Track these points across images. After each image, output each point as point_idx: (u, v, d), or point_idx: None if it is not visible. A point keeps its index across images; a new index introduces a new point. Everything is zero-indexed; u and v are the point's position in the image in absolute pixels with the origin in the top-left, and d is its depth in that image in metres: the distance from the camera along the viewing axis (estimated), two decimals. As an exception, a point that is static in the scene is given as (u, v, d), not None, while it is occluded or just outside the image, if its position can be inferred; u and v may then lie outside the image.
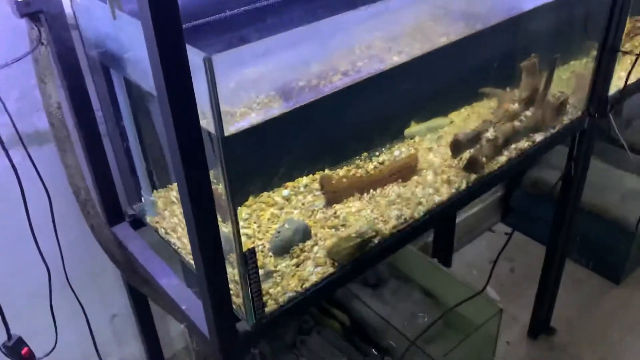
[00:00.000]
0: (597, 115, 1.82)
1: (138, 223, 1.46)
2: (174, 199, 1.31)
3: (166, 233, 1.35)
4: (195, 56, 0.82)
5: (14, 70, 1.22)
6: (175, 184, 1.32)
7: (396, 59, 1.21)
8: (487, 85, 1.56)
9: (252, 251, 1.04)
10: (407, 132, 1.47)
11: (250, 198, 1.29)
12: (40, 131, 1.35)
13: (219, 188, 0.96)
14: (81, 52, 1.24)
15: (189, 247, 1.27)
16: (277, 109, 1.00)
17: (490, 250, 2.92)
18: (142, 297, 1.58)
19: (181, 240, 1.29)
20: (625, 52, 1.84)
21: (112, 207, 1.42)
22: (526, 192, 2.83)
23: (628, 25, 1.79)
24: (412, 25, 1.23)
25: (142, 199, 1.40)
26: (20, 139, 1.24)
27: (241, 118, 0.95)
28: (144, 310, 1.64)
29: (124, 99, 1.23)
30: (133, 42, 1.05)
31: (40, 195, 1.30)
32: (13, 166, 1.21)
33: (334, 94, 1.10)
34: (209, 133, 0.91)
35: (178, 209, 1.30)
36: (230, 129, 0.92)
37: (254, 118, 0.97)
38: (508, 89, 1.59)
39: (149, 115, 1.29)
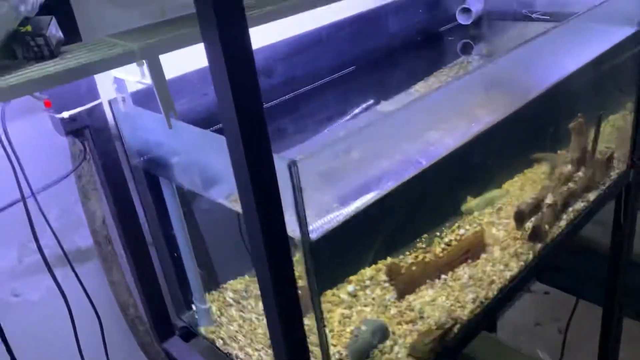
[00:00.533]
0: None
1: (189, 334, 1.35)
2: (231, 301, 1.22)
3: (225, 344, 1.24)
4: (279, 161, 0.76)
5: (54, 188, 1.16)
6: (230, 283, 1.24)
7: (452, 142, 1.16)
8: (537, 151, 1.51)
9: (341, 363, 0.95)
10: (464, 208, 1.40)
11: (314, 297, 1.20)
12: (82, 249, 1.27)
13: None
14: (124, 163, 1.18)
15: (254, 358, 1.17)
16: (353, 208, 0.93)
17: (532, 312, 2.79)
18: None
19: (244, 350, 1.18)
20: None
21: (162, 320, 1.31)
22: (568, 249, 2.73)
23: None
24: (463, 107, 1.20)
25: (193, 307, 1.30)
26: (67, 257, 1.16)
27: (322, 220, 0.88)
28: None
29: (176, 207, 1.16)
30: (190, 149, 0.99)
31: (86, 315, 1.21)
32: (59, 287, 1.12)
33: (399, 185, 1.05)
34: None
35: (236, 312, 1.21)
36: (315, 234, 0.84)
37: (334, 220, 0.90)
38: (559, 152, 1.54)
39: (200, 221, 1.22)
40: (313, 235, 0.84)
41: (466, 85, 1.21)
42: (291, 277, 0.81)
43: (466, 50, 1.77)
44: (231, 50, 0.67)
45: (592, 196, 1.59)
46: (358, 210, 0.93)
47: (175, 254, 1.24)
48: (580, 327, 2.34)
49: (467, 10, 1.80)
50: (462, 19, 1.83)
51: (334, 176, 0.91)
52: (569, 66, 1.39)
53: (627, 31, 1.59)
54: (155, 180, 1.17)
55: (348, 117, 1.48)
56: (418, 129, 1.12)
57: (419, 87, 1.58)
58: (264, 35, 1.37)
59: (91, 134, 1.08)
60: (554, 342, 2.61)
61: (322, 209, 0.88)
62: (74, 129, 1.05)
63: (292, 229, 0.82)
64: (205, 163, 0.98)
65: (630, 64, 1.65)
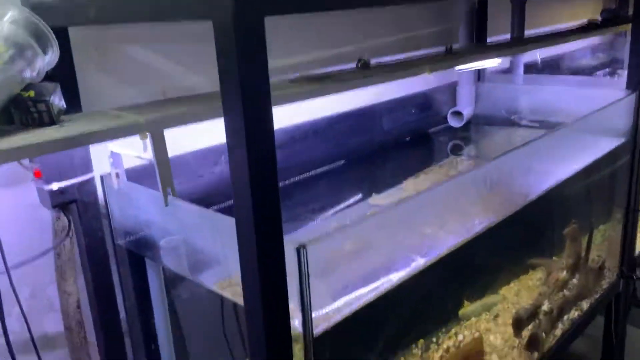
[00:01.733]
0: (629, 275, 1.75)
1: None
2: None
3: None
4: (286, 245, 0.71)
5: (28, 266, 1.07)
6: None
7: (451, 242, 1.14)
8: (532, 256, 1.49)
9: None
10: (461, 313, 1.35)
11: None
12: (49, 335, 1.15)
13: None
14: (109, 242, 1.10)
15: None
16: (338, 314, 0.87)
17: None
18: None
19: None
20: (648, 212, 1.84)
21: (129, 422, 1.18)
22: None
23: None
24: (462, 206, 1.19)
25: (167, 409, 1.17)
26: (34, 344, 1.05)
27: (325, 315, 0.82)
28: None
29: (160, 292, 1.08)
30: (187, 229, 0.94)
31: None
32: (21, 383, 1.00)
33: (392, 290, 1.00)
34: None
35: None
36: (317, 329, 0.77)
37: (337, 315, 0.83)
38: (554, 258, 1.52)
39: (186, 307, 1.13)
40: (316, 330, 0.77)
41: (465, 186, 1.20)
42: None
43: (455, 150, 1.80)
44: (253, 126, 0.64)
45: (585, 305, 1.55)
46: (360, 306, 0.87)
47: (153, 346, 1.13)
48: None
49: (458, 114, 1.85)
50: (453, 122, 1.87)
51: (332, 268, 0.85)
52: (562, 173, 1.40)
53: (615, 142, 1.64)
54: (140, 263, 1.10)
55: (339, 207, 1.45)
56: (416, 226, 1.09)
57: (409, 184, 1.57)
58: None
59: (78, 209, 1.02)
60: None
61: (323, 303, 0.82)
62: (61, 202, 0.99)
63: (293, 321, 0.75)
64: (200, 245, 0.92)
65: (619, 175, 1.69)
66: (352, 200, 1.49)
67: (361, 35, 1.60)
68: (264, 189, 0.66)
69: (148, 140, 0.88)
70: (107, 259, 1.08)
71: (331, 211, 1.43)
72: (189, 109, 0.93)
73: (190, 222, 0.92)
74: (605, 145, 1.62)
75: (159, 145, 0.88)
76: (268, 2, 0.62)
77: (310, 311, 0.74)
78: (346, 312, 0.84)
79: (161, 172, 0.89)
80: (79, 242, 1.06)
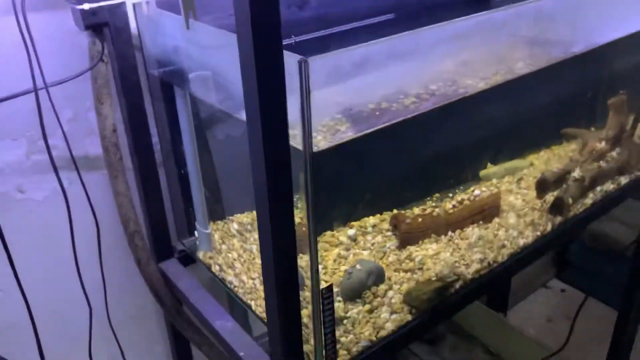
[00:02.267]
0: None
1: (187, 259, 1.34)
2: (235, 232, 1.19)
3: (221, 270, 1.22)
4: (288, 58, 0.72)
5: (68, 89, 1.14)
6: (236, 216, 1.21)
7: (474, 86, 1.10)
8: (568, 125, 1.43)
9: (330, 289, 0.91)
10: (482, 174, 1.34)
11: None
12: (90, 157, 1.26)
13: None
14: (141, 71, 1.16)
15: (247, 285, 1.14)
16: (347, 134, 0.89)
17: (546, 307, 2.71)
18: (185, 346, 1.44)
19: (239, 277, 1.16)
20: None
21: (162, 241, 1.30)
22: (587, 247, 2.64)
23: None
24: (493, 52, 1.14)
25: (196, 232, 1.28)
26: (74, 162, 1.15)
27: (327, 134, 0.84)
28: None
29: (187, 120, 1.14)
30: (208, 52, 0.96)
31: (87, 223, 1.20)
32: (63, 190, 1.11)
33: (406, 122, 0.99)
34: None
35: (238, 243, 1.18)
36: (318, 146, 0.80)
37: (339, 136, 0.86)
38: (592, 129, 1.46)
39: (214, 138, 1.19)
40: (316, 147, 0.80)
41: (501, 23, 1.13)
42: (289, 188, 0.77)
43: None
44: None
45: (624, 180, 1.51)
46: (369, 130, 0.89)
47: (182, 171, 1.22)
48: (595, 329, 2.26)
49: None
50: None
51: (346, 87, 0.86)
52: (618, 31, 1.30)
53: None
54: (172, 93, 1.15)
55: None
56: (442, 61, 1.06)
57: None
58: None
59: (111, 34, 1.06)
60: (564, 340, 2.53)
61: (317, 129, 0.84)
62: (93, 23, 1.03)
63: (296, 139, 0.78)
64: (222, 70, 0.95)
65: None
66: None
67: None
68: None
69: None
70: (139, 86, 1.14)
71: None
72: None
73: (210, 45, 0.94)
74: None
75: (180, -36, 0.89)
76: None
77: (310, 127, 0.76)
78: (352, 134, 0.87)
79: (182, -7, 0.91)
80: (112, 68, 1.11)
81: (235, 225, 1.20)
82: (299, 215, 0.85)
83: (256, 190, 0.77)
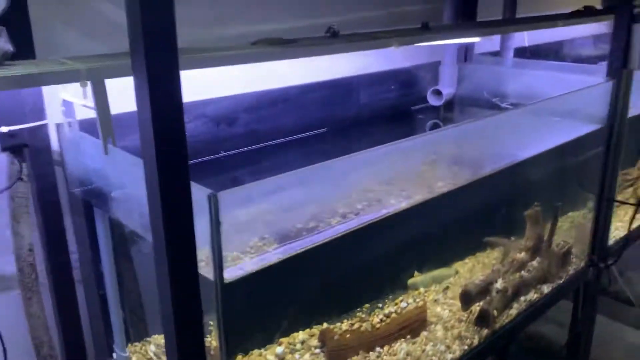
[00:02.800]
0: (600, 265, 1.75)
1: (105, 384, 1.26)
2: (152, 355, 1.14)
3: (138, 398, 1.15)
4: (198, 192, 0.73)
5: (-14, 208, 1.11)
6: (154, 337, 1.16)
7: (399, 204, 1.15)
8: (490, 234, 1.49)
9: None
10: (410, 282, 1.36)
11: (239, 358, 1.12)
12: (6, 276, 1.20)
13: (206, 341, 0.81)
14: (62, 190, 1.14)
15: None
16: (275, 254, 0.90)
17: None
18: None
19: (156, 406, 1.10)
20: (623, 202, 1.83)
21: (78, 364, 1.23)
22: (523, 347, 2.65)
23: (618, 179, 1.79)
24: (414, 172, 1.20)
25: (114, 355, 1.22)
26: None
27: (238, 263, 0.84)
28: None
29: (106, 241, 1.11)
30: (124, 177, 0.96)
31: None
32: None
33: (335, 240, 1.02)
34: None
35: (156, 369, 1.13)
36: (228, 276, 0.80)
37: (252, 264, 0.86)
38: (513, 239, 1.52)
39: (133, 259, 1.17)
40: (228, 276, 0.79)
41: (421, 147, 1.21)
42: (197, 317, 0.76)
43: (434, 129, 1.80)
44: (157, 78, 0.66)
45: (546, 289, 1.56)
46: (281, 259, 0.89)
47: (100, 292, 1.17)
48: None
49: (438, 92, 1.84)
50: (433, 101, 1.86)
51: (264, 217, 0.88)
52: (530, 152, 1.40)
53: (590, 127, 1.62)
54: (92, 212, 1.13)
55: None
56: (366, 182, 1.10)
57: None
58: (231, 86, 1.38)
59: (31, 154, 1.06)
60: None
61: (245, 251, 0.84)
62: (11, 144, 1.02)
63: (208, 269, 0.78)
64: (137, 195, 0.95)
65: (594, 162, 1.68)
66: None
67: (341, 7, 1.60)
68: (168, 140, 0.68)
69: (89, 89, 0.90)
70: (58, 205, 1.12)
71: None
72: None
73: (127, 170, 0.95)
74: (580, 130, 1.61)
75: (100, 94, 0.91)
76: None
77: (221, 258, 0.76)
78: (263, 263, 0.87)
79: (101, 121, 0.92)
80: (32, 186, 1.09)
81: (153, 347, 1.15)
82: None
83: (163, 318, 0.75)
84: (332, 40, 1.26)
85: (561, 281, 1.61)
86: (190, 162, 1.32)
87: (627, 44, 1.53)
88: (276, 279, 1.08)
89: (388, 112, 1.82)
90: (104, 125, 0.93)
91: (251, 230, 0.86)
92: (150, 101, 0.66)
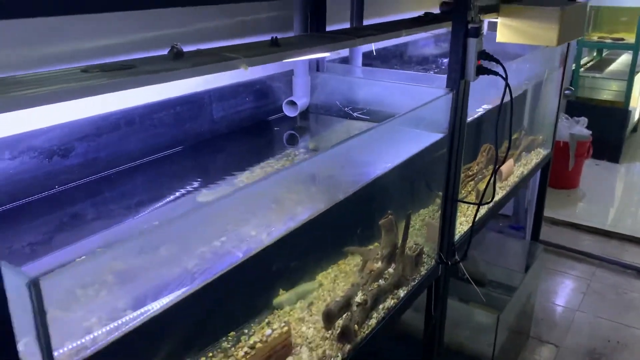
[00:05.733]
0: (448, 262, 1.87)
1: None
2: None
3: None
4: (15, 277, 0.63)
5: None
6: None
7: (261, 237, 1.13)
8: (351, 244, 1.53)
9: None
10: (276, 301, 1.35)
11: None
12: None
13: None
14: None
15: None
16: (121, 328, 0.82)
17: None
18: None
19: None
20: (465, 202, 1.97)
21: None
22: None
23: (461, 176, 1.93)
24: (278, 199, 1.18)
25: None
26: None
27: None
28: None
29: None
30: None
31: None
32: None
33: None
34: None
35: None
36: None
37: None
38: (371, 247, 1.57)
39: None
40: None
41: (281, 182, 1.19)
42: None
43: (291, 141, 1.79)
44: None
45: (402, 292, 1.63)
46: (140, 322, 0.82)
47: None
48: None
49: (293, 103, 1.84)
50: (288, 111, 1.85)
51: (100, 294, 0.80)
52: (384, 164, 1.45)
53: (436, 136, 1.72)
54: None
55: (161, 203, 1.37)
56: (224, 225, 1.06)
57: (244, 178, 1.53)
58: (62, 112, 1.25)
59: None
60: None
61: (82, 328, 0.76)
62: None
63: None
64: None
65: (437, 165, 1.78)
66: (173, 197, 1.41)
67: (185, 17, 1.51)
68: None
69: None
70: None
71: (150, 208, 1.35)
72: None
73: None
74: (426, 139, 1.69)
75: None
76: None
77: (50, 351, 0.67)
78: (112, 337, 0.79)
79: None
80: None
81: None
82: None
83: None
84: (177, 63, 1.18)
85: (415, 282, 1.69)
86: (21, 201, 1.19)
87: (463, 57, 1.63)
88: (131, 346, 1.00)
89: (244, 124, 1.78)
90: None
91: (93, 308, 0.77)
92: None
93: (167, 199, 1.37)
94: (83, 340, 0.75)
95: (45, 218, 1.20)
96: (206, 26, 1.59)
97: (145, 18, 1.39)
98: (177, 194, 1.40)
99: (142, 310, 0.89)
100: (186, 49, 1.21)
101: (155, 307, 0.89)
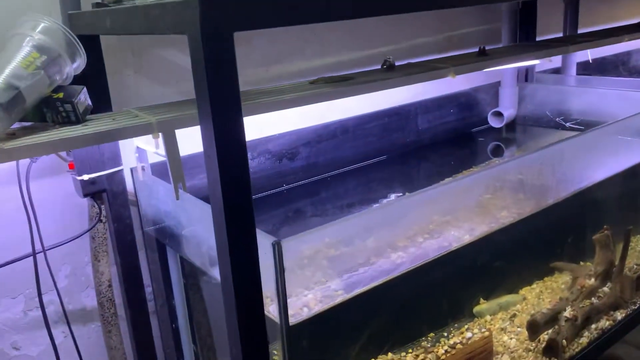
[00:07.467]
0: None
1: (180, 412, 1.32)
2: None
3: None
4: (264, 240, 0.77)
5: (69, 247, 1.20)
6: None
7: (463, 237, 1.16)
8: (558, 259, 1.46)
9: None
10: (476, 310, 1.35)
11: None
12: (87, 309, 1.29)
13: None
14: (137, 228, 1.22)
15: None
16: (339, 293, 0.92)
17: None
18: None
19: None
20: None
21: (154, 393, 1.29)
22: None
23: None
24: (480, 203, 1.20)
25: (187, 384, 1.28)
26: (66, 317, 1.18)
27: (303, 305, 0.87)
28: None
29: (178, 279, 1.18)
30: (193, 221, 1.02)
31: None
32: (54, 346, 1.13)
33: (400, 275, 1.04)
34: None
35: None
36: (294, 318, 0.83)
37: (317, 305, 0.89)
38: (581, 263, 1.48)
39: (204, 296, 1.22)
40: (293, 320, 0.82)
41: (483, 181, 1.21)
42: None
43: (497, 152, 1.78)
44: (222, 131, 0.70)
45: (619, 315, 1.50)
46: (347, 298, 0.92)
47: (173, 326, 1.24)
48: None
49: (499, 114, 1.82)
50: (494, 122, 1.84)
51: (330, 259, 0.91)
52: (599, 175, 1.37)
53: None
54: (163, 250, 1.20)
55: (369, 206, 1.48)
56: (427, 219, 1.12)
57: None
58: (291, 121, 1.43)
59: (108, 198, 1.13)
60: None
61: (308, 287, 0.87)
62: (92, 191, 1.10)
63: (274, 307, 0.81)
64: (207, 237, 1.00)
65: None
66: (383, 200, 1.50)
67: (397, 35, 1.62)
68: (235, 190, 0.72)
69: (161, 139, 0.97)
70: (134, 244, 1.19)
71: (361, 208, 1.46)
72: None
73: (196, 215, 1.00)
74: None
75: (171, 144, 0.97)
76: (236, 18, 0.68)
77: (285, 302, 0.79)
78: (329, 304, 0.89)
79: (172, 168, 0.98)
80: (109, 227, 1.17)
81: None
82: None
83: (232, 357, 0.79)
84: (389, 74, 1.28)
85: (636, 306, 1.54)
86: (256, 196, 1.38)
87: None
88: (340, 318, 1.11)
89: (448, 136, 1.82)
90: (175, 172, 0.98)
91: (314, 266, 0.89)
92: (217, 150, 0.70)
93: (375, 204, 1.48)
94: (310, 296, 0.87)
95: (274, 212, 1.38)
96: (415, 43, 1.68)
97: (362, 38, 1.53)
98: (384, 200, 1.49)
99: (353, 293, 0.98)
100: (398, 63, 1.31)
101: (367, 289, 0.97)
